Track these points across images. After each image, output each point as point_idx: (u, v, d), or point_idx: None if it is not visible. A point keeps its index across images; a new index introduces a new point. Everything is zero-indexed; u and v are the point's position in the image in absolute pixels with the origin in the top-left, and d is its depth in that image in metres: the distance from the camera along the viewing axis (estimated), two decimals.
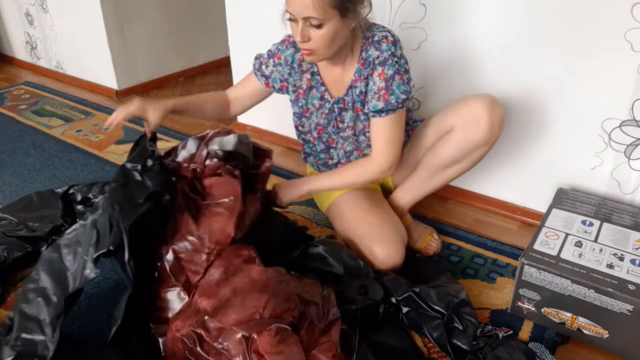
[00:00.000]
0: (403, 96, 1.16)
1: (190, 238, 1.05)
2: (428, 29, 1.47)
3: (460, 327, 1.09)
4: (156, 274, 1.05)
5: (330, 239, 1.36)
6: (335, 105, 1.26)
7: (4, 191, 1.73)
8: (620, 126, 1.30)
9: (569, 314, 1.10)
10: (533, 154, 1.46)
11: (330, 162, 1.38)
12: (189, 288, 1.04)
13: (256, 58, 1.35)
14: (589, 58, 1.28)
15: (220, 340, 0.91)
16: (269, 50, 1.32)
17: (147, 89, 2.72)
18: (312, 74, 1.27)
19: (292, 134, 1.99)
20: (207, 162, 1.12)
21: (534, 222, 1.50)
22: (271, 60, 1.31)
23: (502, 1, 1.34)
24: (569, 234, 1.21)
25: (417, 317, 1.12)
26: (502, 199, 1.58)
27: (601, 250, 1.15)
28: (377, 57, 1.15)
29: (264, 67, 1.32)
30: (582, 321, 1.09)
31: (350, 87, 1.22)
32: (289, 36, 1.27)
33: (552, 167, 1.45)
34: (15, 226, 1.42)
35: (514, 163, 1.51)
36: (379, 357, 1.03)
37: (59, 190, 1.59)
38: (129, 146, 2.01)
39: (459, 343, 1.07)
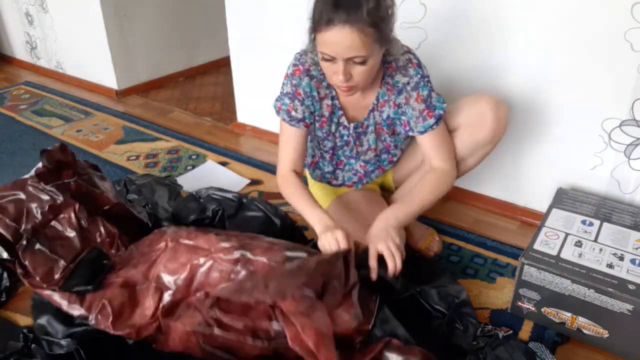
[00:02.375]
0: (444, 105, 1.18)
1: None
2: (428, 29, 1.47)
3: (461, 328, 1.09)
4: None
5: None
6: (354, 131, 1.24)
7: None
8: (620, 126, 1.30)
9: (569, 314, 1.10)
10: (533, 154, 1.46)
11: (334, 182, 1.37)
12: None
13: (279, 110, 1.23)
14: (588, 58, 1.28)
15: (242, 315, 0.96)
16: (286, 93, 1.21)
17: (147, 89, 2.72)
18: (332, 98, 1.22)
19: None
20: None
21: (534, 222, 1.50)
22: (296, 101, 1.20)
23: (502, 1, 1.34)
24: (569, 234, 1.21)
25: (418, 316, 1.12)
26: (502, 199, 1.58)
27: (601, 250, 1.15)
28: (408, 83, 1.16)
29: (293, 113, 1.21)
30: (582, 321, 1.09)
31: (372, 110, 1.21)
32: (295, 65, 1.19)
33: (552, 167, 1.45)
34: None
35: (514, 163, 1.51)
36: (400, 320, 1.03)
37: None
38: (129, 146, 2.04)
39: (459, 343, 1.06)
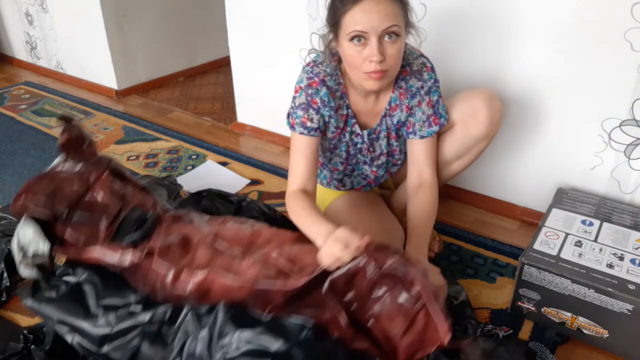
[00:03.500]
0: (446, 115, 1.20)
1: None
2: (428, 28, 1.47)
3: (461, 329, 1.09)
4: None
5: None
6: (368, 137, 1.23)
7: (4, 191, 1.73)
8: (620, 126, 1.30)
9: (569, 314, 1.10)
10: (533, 153, 1.46)
11: (341, 188, 1.37)
12: None
13: (293, 126, 1.15)
14: (588, 58, 1.28)
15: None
16: (301, 104, 1.14)
17: (147, 89, 2.72)
18: (346, 107, 1.19)
19: None
20: None
21: (534, 222, 1.50)
22: (311, 110, 1.14)
23: (502, 1, 1.34)
24: (569, 234, 1.21)
25: None
26: (502, 199, 1.58)
27: (601, 250, 1.15)
28: (422, 87, 1.16)
29: (309, 123, 1.14)
30: (582, 321, 1.09)
31: (384, 115, 1.21)
32: (310, 78, 1.14)
33: (552, 167, 1.45)
34: (16, 226, 1.42)
35: (514, 163, 1.51)
36: None
37: None
38: (129, 146, 2.04)
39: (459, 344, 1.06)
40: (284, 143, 2.04)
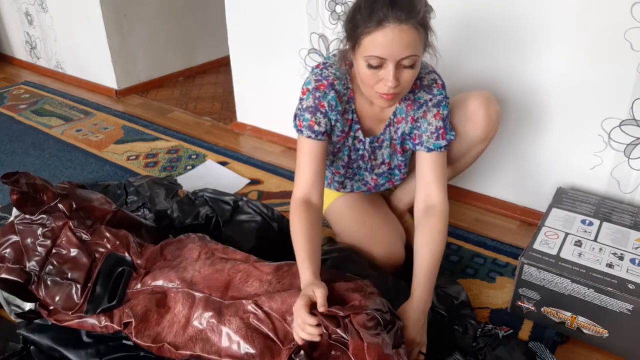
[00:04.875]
0: (453, 136, 1.16)
1: None
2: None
3: (461, 330, 1.09)
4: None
5: (332, 242, 1.36)
6: (370, 145, 1.22)
7: (4, 191, 1.73)
8: (620, 126, 1.30)
9: (569, 314, 1.10)
10: (533, 153, 1.46)
11: (341, 190, 1.36)
12: None
13: (301, 129, 1.13)
14: (588, 57, 1.28)
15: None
16: (306, 108, 1.12)
17: (147, 89, 2.72)
18: (352, 112, 1.17)
19: (292, 133, 2.00)
20: None
21: (534, 221, 1.50)
22: (319, 114, 1.11)
23: (501, 2, 1.34)
24: (569, 234, 1.21)
25: None
26: (502, 199, 1.58)
27: (601, 249, 1.15)
28: (431, 100, 1.13)
29: (316, 127, 1.11)
30: (582, 321, 1.09)
31: (389, 125, 1.19)
32: (318, 80, 1.11)
33: (552, 166, 1.45)
34: None
35: (514, 163, 1.51)
36: None
37: None
38: (129, 146, 2.04)
39: (459, 345, 1.06)
40: (284, 143, 2.04)
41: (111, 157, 1.97)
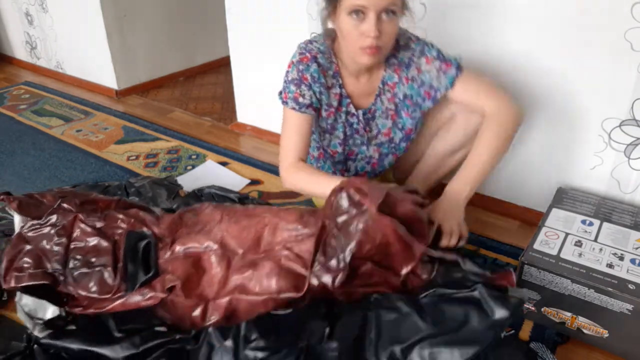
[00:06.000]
0: (458, 58, 1.15)
1: None
2: (428, 29, 1.47)
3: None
4: None
5: None
6: (363, 117, 1.24)
7: (4, 188, 1.72)
8: (620, 126, 1.30)
9: (569, 314, 1.10)
10: (533, 153, 1.46)
11: (345, 174, 1.36)
12: None
13: (286, 100, 1.18)
14: (588, 57, 1.28)
15: None
16: (291, 80, 1.17)
17: (147, 89, 2.72)
18: (339, 87, 1.20)
19: None
20: None
21: (534, 222, 1.50)
22: (303, 86, 1.16)
23: (501, 1, 1.34)
24: (569, 234, 1.21)
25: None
26: (502, 199, 1.58)
27: (601, 249, 1.15)
28: (413, 54, 1.16)
29: (301, 99, 1.16)
30: (582, 321, 1.09)
31: (379, 95, 1.21)
32: (302, 53, 1.17)
33: (552, 166, 1.45)
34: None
35: (514, 163, 1.50)
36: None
37: None
38: (129, 146, 2.04)
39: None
40: None
41: (111, 157, 1.97)
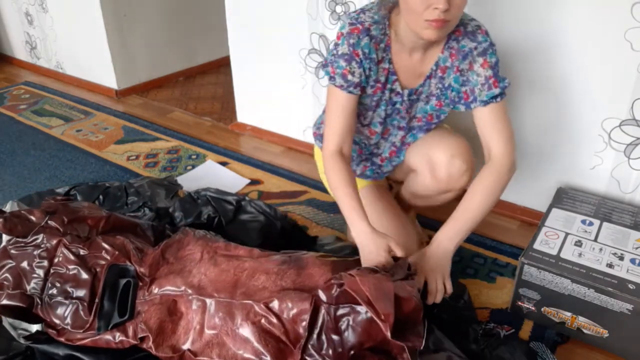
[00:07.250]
0: (508, 83, 1.09)
1: None
2: None
3: (462, 330, 1.09)
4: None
5: (340, 241, 1.36)
6: (408, 98, 1.15)
7: (4, 191, 1.73)
8: (620, 125, 1.30)
9: (569, 314, 1.10)
10: (533, 153, 1.46)
11: (374, 158, 1.31)
12: None
13: (334, 75, 1.09)
14: (588, 57, 1.28)
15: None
16: (342, 54, 1.07)
17: (147, 89, 2.72)
18: (388, 62, 1.10)
19: (292, 133, 2.00)
20: None
21: (534, 221, 1.50)
22: (353, 63, 1.07)
23: (501, 1, 1.34)
24: (569, 234, 1.21)
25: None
26: (502, 199, 1.57)
27: (601, 249, 1.15)
28: (475, 48, 1.07)
29: (350, 76, 1.07)
30: (582, 320, 1.09)
31: (429, 77, 1.13)
32: (352, 24, 1.06)
33: (552, 166, 1.45)
34: None
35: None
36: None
37: (60, 190, 1.59)
38: (129, 146, 2.04)
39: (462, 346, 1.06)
40: (284, 143, 2.04)
41: (111, 157, 1.97)
